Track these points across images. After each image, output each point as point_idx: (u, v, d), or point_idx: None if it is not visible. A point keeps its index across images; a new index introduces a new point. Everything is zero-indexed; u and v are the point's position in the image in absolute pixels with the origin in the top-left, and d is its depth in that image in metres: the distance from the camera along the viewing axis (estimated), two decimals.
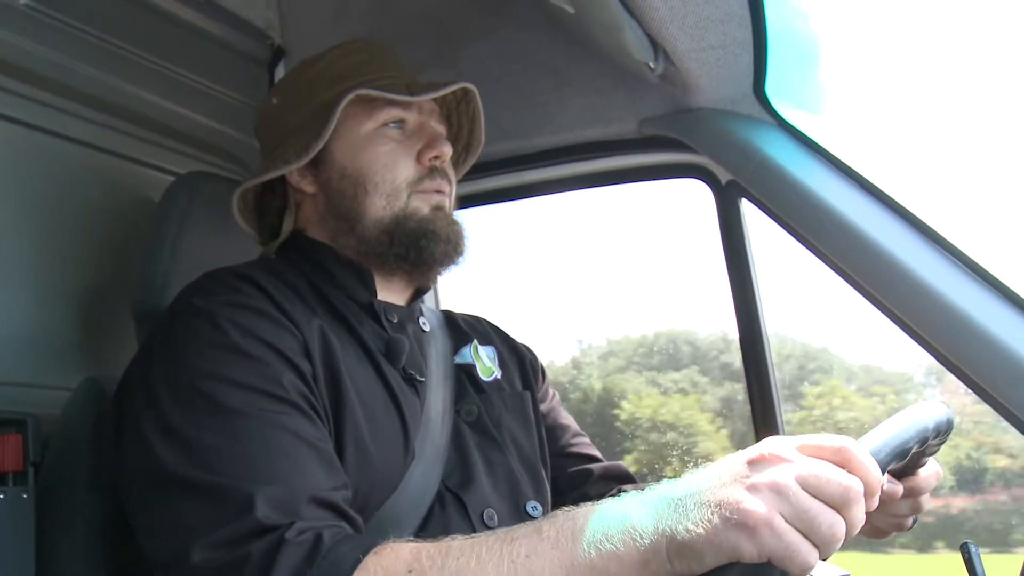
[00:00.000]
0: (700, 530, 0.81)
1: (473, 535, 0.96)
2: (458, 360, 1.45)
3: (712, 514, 0.81)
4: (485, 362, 1.48)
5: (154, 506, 1.06)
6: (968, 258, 1.46)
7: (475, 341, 1.50)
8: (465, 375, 1.43)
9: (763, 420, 1.77)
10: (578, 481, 1.52)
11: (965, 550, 1.12)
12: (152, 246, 1.49)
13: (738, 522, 0.79)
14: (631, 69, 1.73)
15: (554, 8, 1.65)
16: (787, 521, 0.79)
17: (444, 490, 1.24)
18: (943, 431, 1.03)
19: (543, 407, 1.55)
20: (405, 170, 1.35)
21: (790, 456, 0.83)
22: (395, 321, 1.36)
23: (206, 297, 1.17)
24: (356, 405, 1.17)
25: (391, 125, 1.36)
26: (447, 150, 1.37)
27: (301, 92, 1.41)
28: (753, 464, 0.84)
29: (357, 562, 0.94)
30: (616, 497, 0.92)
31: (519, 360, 1.57)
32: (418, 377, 1.32)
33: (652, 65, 1.64)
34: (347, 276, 1.35)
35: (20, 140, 1.55)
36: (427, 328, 1.44)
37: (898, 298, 1.46)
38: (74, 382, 1.36)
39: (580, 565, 0.86)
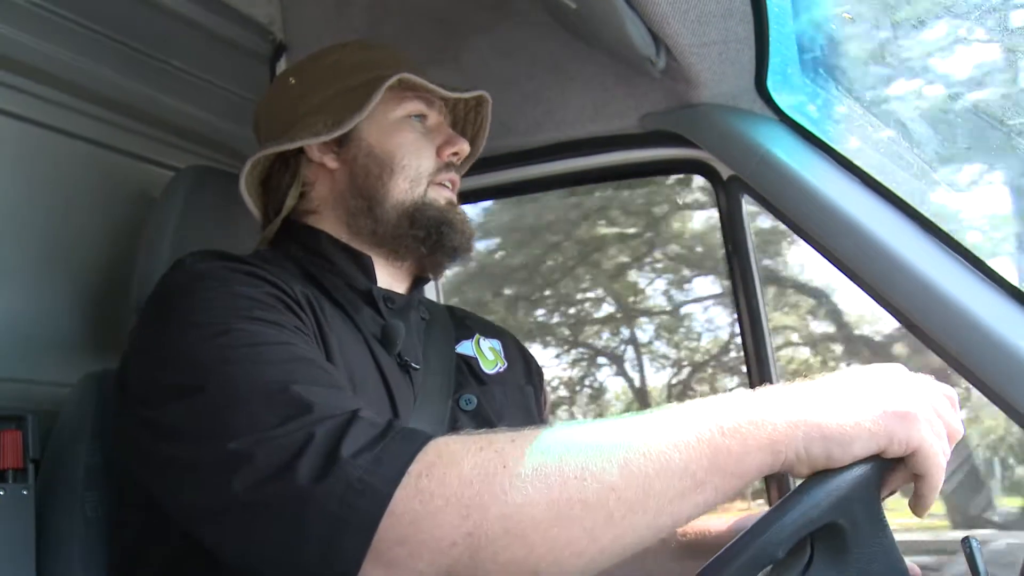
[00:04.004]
0: (857, 417, 0.86)
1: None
2: (459, 350, 1.45)
3: (871, 404, 0.88)
4: (488, 355, 1.49)
5: (190, 427, 0.98)
6: (971, 254, 1.46)
7: (477, 335, 1.51)
8: (466, 366, 1.44)
9: None
10: None
11: (967, 544, 1.11)
12: (152, 241, 1.49)
13: (898, 412, 0.87)
14: (633, 65, 1.73)
15: (556, 4, 1.65)
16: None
17: None
18: None
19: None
20: (427, 160, 1.40)
21: (921, 382, 0.94)
22: (394, 308, 1.37)
23: (201, 262, 1.16)
24: (347, 384, 1.15)
25: (414, 118, 1.42)
26: (465, 148, 1.44)
27: (324, 74, 1.44)
28: (893, 375, 0.93)
29: (432, 437, 0.91)
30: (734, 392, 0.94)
31: (524, 359, 1.58)
32: (413, 364, 1.31)
33: (654, 60, 1.64)
34: (345, 263, 1.36)
35: (19, 136, 1.55)
36: (427, 317, 1.45)
37: (900, 294, 1.46)
38: (74, 378, 1.36)
39: (702, 442, 0.87)
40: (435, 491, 0.86)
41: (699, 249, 7.02)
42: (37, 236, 1.56)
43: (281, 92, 1.49)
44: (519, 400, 1.47)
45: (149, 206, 1.60)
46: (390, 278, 1.41)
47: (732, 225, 1.79)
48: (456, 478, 0.86)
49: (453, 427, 1.31)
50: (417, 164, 1.39)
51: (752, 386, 1.75)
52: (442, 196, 1.40)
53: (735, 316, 1.84)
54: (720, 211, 1.81)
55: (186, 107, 1.86)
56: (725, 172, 1.77)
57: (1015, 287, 1.41)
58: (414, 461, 0.87)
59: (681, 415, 0.89)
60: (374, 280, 1.38)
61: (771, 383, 1.72)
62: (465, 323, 1.54)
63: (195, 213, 1.52)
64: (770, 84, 1.71)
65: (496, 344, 1.53)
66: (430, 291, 2.19)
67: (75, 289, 1.61)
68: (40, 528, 1.26)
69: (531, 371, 1.57)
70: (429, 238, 1.37)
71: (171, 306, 1.12)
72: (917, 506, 0.92)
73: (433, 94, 1.44)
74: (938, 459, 0.87)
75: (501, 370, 1.48)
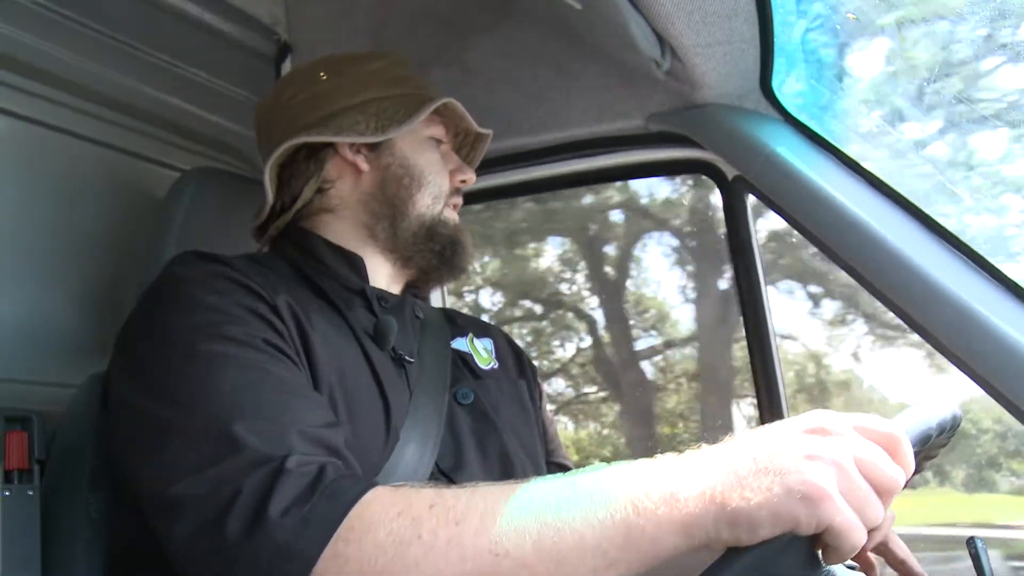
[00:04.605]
0: (760, 499, 0.80)
1: (504, 481, 0.95)
2: (454, 346, 1.48)
3: (774, 483, 0.80)
4: (482, 353, 1.52)
5: (141, 456, 1.05)
6: (976, 253, 1.46)
7: (471, 334, 1.53)
8: (461, 361, 1.46)
9: (770, 413, 1.77)
10: None
11: (972, 545, 1.10)
12: (157, 242, 1.49)
13: (803, 494, 0.79)
14: (638, 65, 1.73)
15: (560, 4, 1.65)
16: (844, 498, 0.80)
17: (437, 472, 1.25)
18: (951, 428, 1.02)
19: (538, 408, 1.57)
20: (445, 181, 1.47)
21: (848, 434, 0.83)
22: (387, 306, 1.39)
23: (184, 266, 1.20)
24: (333, 382, 1.18)
25: (435, 140, 1.49)
26: (473, 178, 1.52)
27: (364, 79, 1.47)
28: (812, 434, 0.83)
29: (361, 494, 0.92)
30: (657, 457, 0.90)
31: (516, 355, 1.60)
32: (407, 358, 1.33)
33: (659, 61, 1.63)
34: (337, 264, 1.39)
35: (26, 136, 1.55)
36: (421, 315, 1.47)
37: (904, 293, 1.45)
38: (79, 379, 1.36)
39: (616, 522, 0.85)
40: (351, 556, 0.89)
41: None
42: (43, 237, 1.57)
43: (310, 84, 1.49)
44: (513, 394, 1.50)
45: (154, 207, 1.60)
46: (387, 279, 1.45)
47: (736, 225, 1.79)
48: (372, 544, 0.89)
49: (451, 421, 1.32)
50: (440, 183, 1.46)
51: (757, 385, 1.77)
52: (452, 218, 1.47)
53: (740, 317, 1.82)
54: (725, 211, 1.80)
55: (191, 108, 1.87)
56: (730, 172, 1.77)
57: (1020, 287, 1.41)
58: (339, 527, 0.90)
59: (597, 487, 0.87)
60: (366, 279, 1.40)
61: (776, 383, 1.75)
62: (457, 322, 1.57)
63: (200, 214, 1.52)
64: (775, 84, 1.71)
65: (488, 343, 1.56)
66: (435, 298, 2.19)
67: (81, 290, 1.62)
68: (45, 529, 1.26)
69: (523, 366, 1.60)
70: (444, 252, 1.44)
71: (148, 317, 1.17)
72: (827, 559, 0.85)
73: (464, 125, 1.53)
74: (851, 534, 0.80)
75: (495, 367, 1.52)
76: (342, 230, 1.42)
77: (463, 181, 1.50)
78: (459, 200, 1.50)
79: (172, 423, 1.02)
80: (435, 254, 1.43)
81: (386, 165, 1.43)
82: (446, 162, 1.49)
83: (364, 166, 1.43)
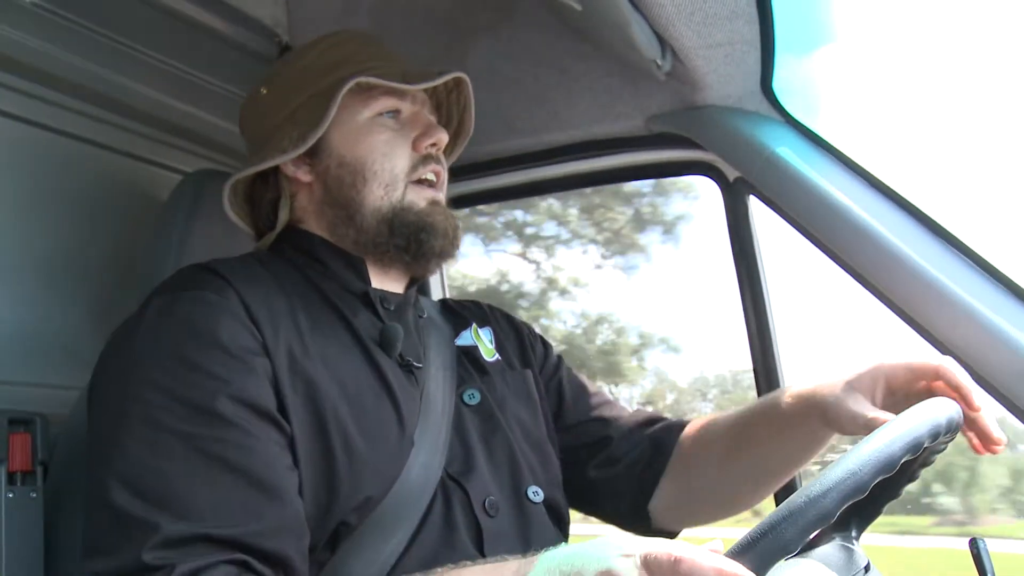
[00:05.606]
0: None
1: None
2: (459, 343, 1.45)
3: None
4: (487, 344, 1.49)
5: (87, 512, 1.07)
6: (976, 254, 1.46)
7: (474, 324, 1.50)
8: (467, 358, 1.43)
9: None
10: (603, 444, 1.51)
11: (974, 545, 1.10)
12: (159, 244, 1.49)
13: None
14: (639, 66, 1.73)
15: (561, 6, 1.65)
16: None
17: (447, 478, 1.22)
18: (948, 431, 1.01)
19: (552, 379, 1.55)
20: (402, 159, 1.35)
21: None
22: (391, 309, 1.35)
23: (170, 293, 1.17)
24: (339, 401, 1.15)
25: (386, 115, 1.37)
26: (443, 137, 1.38)
27: (292, 82, 1.40)
28: None
29: None
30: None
31: (517, 336, 1.57)
32: (415, 363, 1.30)
33: (660, 62, 1.64)
34: (340, 266, 1.35)
35: (29, 139, 1.55)
36: (425, 315, 1.44)
37: (905, 294, 1.46)
38: (83, 381, 1.36)
39: None
40: None
41: None
42: (45, 240, 1.57)
43: (254, 105, 1.45)
44: (520, 386, 1.46)
45: (156, 209, 1.60)
46: (384, 279, 1.39)
47: (738, 227, 1.79)
48: None
49: (458, 424, 1.30)
50: (391, 166, 1.34)
51: (759, 387, 1.77)
52: (422, 197, 1.35)
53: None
54: (727, 213, 1.80)
55: (193, 109, 1.86)
56: (731, 174, 1.77)
57: (1020, 286, 1.42)
58: None
59: None
60: (368, 282, 1.36)
61: (778, 384, 1.75)
62: (460, 314, 1.53)
63: (202, 216, 1.52)
64: (775, 86, 1.71)
65: (489, 333, 1.52)
66: (435, 286, 2.19)
67: (83, 292, 1.62)
68: (48, 531, 1.26)
69: (527, 349, 1.56)
70: (410, 246, 1.33)
71: (124, 356, 1.14)
72: None
73: (394, 91, 1.38)
74: None
75: (498, 358, 1.49)
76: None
77: (432, 145, 1.37)
78: (434, 167, 1.37)
79: (106, 499, 1.02)
80: (400, 249, 1.33)
81: (325, 169, 1.36)
82: (406, 132, 1.37)
83: (306, 178, 1.37)
